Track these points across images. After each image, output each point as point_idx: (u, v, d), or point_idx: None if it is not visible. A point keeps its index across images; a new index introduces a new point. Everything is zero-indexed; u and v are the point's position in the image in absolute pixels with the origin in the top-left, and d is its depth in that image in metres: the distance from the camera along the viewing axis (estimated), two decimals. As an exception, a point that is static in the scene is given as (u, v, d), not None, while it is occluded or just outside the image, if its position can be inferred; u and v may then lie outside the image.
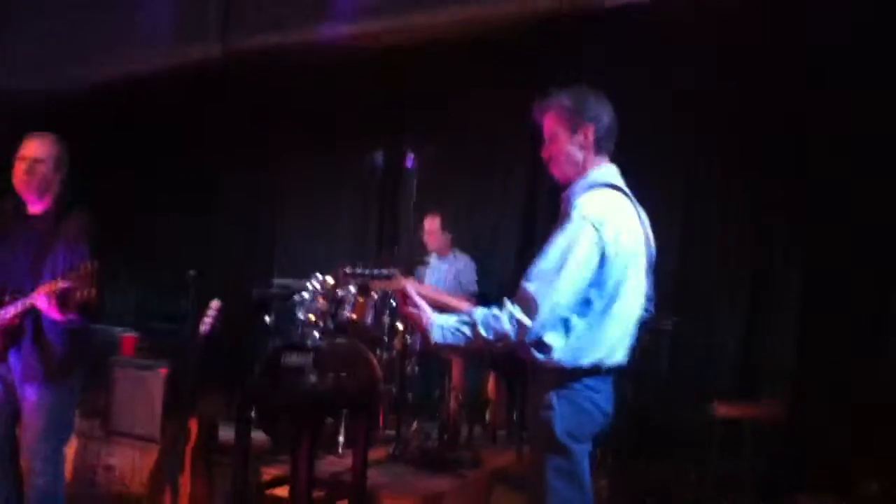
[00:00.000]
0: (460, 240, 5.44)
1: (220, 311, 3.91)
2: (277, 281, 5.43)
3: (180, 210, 6.75)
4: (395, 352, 4.65)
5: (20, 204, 3.21)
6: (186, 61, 6.90)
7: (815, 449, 4.00)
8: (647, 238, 2.43)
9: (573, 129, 2.37)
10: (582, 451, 2.30)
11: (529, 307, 2.20)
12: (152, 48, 6.98)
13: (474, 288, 5.27)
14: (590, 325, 2.28)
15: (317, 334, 4.60)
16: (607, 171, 2.40)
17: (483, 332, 2.20)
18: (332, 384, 4.12)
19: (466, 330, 2.23)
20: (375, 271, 2.29)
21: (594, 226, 2.24)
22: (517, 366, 2.35)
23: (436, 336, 2.25)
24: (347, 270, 2.25)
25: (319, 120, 6.33)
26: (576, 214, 2.27)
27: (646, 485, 4.11)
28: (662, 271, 4.52)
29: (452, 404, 4.59)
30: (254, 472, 3.95)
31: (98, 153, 6.39)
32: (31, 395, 3.14)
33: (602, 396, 2.33)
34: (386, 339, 4.68)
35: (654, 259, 2.47)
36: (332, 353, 4.51)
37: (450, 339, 2.24)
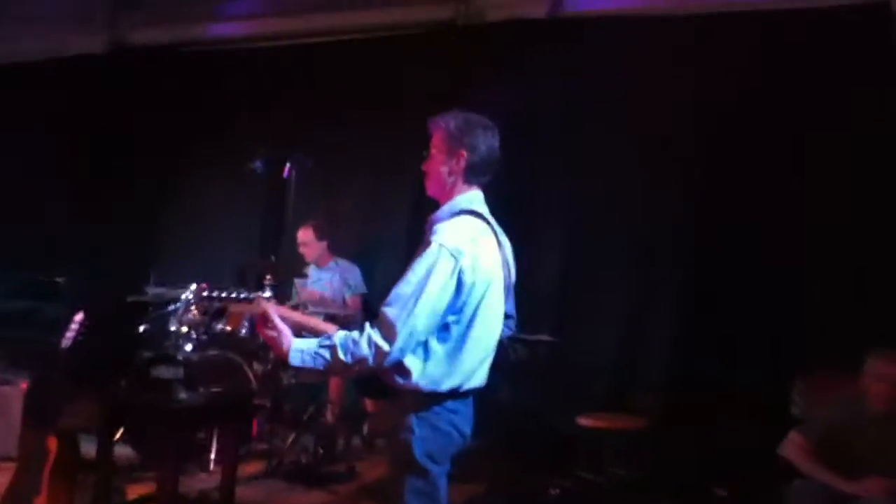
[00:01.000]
0: (345, 246, 5.41)
1: (82, 324, 3.75)
2: (151, 289, 5.23)
3: (53, 209, 6.45)
4: (270, 364, 4.58)
5: None
6: (69, 50, 6.67)
7: (671, 457, 4.22)
8: (505, 263, 2.50)
9: (449, 153, 2.43)
10: (440, 472, 2.35)
11: (388, 331, 2.23)
12: (35, 33, 6.70)
13: (363, 289, 5.24)
14: (448, 349, 2.33)
15: (189, 346, 4.47)
16: (472, 196, 2.46)
17: (342, 356, 2.21)
18: (204, 397, 4.03)
19: (326, 353, 2.23)
20: (234, 294, 2.25)
21: (452, 254, 2.29)
22: (381, 386, 2.36)
23: (294, 360, 2.25)
24: (205, 294, 2.21)
25: (208, 119, 6.20)
26: (435, 243, 2.31)
27: (518, 491, 4.23)
28: (541, 289, 4.73)
29: (329, 418, 4.57)
30: (119, 490, 3.82)
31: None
32: None
33: (461, 418, 2.39)
34: (262, 350, 4.60)
35: (512, 282, 2.54)
36: (205, 365, 4.41)
37: (309, 363, 2.24)
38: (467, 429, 2.42)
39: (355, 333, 2.23)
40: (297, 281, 5.24)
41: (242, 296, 2.25)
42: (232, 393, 4.43)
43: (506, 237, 2.53)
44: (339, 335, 2.24)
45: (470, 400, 2.44)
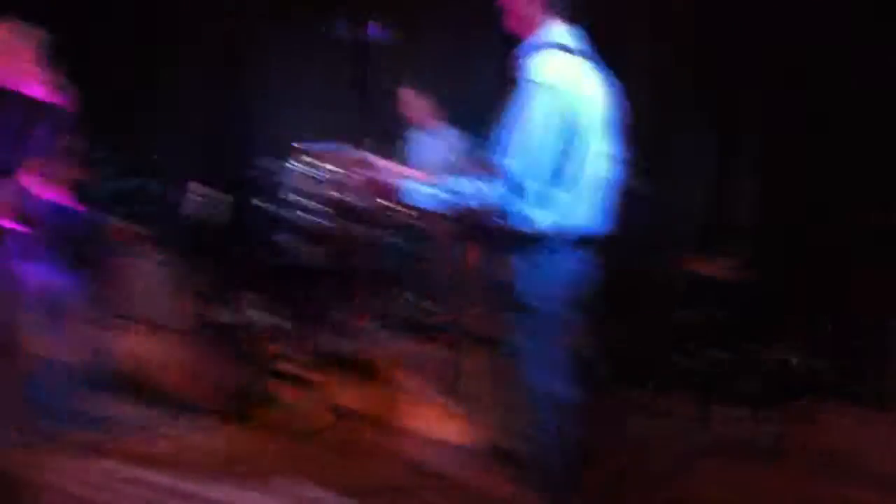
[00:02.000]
0: (443, 109, 5.33)
1: (202, 193, 3.95)
2: (259, 160, 5.43)
3: (154, 92, 6.65)
4: (382, 225, 4.72)
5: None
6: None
7: (769, 301, 4.26)
8: (608, 100, 2.43)
9: None
10: (551, 311, 2.40)
11: (502, 178, 2.25)
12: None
13: (470, 149, 5.12)
14: (558, 190, 2.32)
15: (304, 213, 4.68)
16: (558, 32, 2.36)
17: (456, 198, 2.24)
18: (324, 259, 4.23)
19: (442, 193, 2.25)
20: (327, 146, 2.31)
21: (547, 90, 2.22)
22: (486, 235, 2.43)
23: (409, 198, 2.27)
24: (297, 146, 2.28)
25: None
26: (527, 80, 2.25)
27: (614, 336, 4.37)
28: (633, 135, 4.66)
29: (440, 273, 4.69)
30: (259, 351, 4.16)
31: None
32: (27, 275, 3.31)
33: (569, 259, 2.41)
34: (373, 214, 4.74)
35: (619, 121, 2.48)
36: (320, 229, 4.65)
37: (426, 202, 2.26)
38: (582, 271, 2.46)
39: (476, 181, 2.25)
40: (402, 145, 5.26)
41: (333, 147, 2.32)
42: (347, 255, 4.69)
43: (604, 73, 2.43)
44: (460, 180, 2.26)
45: (584, 243, 2.46)
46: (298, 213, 4.70)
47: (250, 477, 3.27)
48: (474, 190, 2.30)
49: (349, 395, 3.84)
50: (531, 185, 2.29)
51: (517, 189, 2.28)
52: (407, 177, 2.43)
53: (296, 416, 3.59)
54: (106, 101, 6.49)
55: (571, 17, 2.41)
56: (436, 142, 5.16)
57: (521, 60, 2.34)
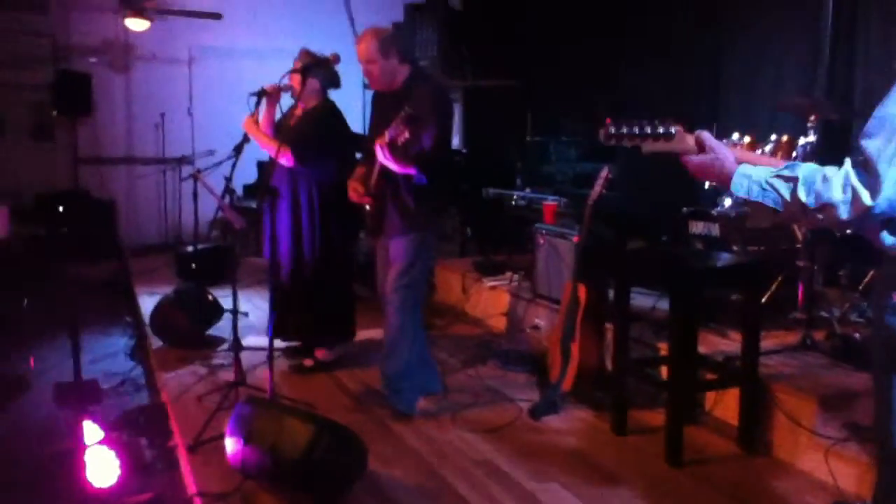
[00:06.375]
0: None
1: (607, 178, 3.76)
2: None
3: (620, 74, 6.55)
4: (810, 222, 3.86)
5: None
6: None
7: None
8: None
9: None
10: None
11: (871, 174, 1.59)
12: None
13: None
14: None
15: (728, 202, 4.10)
16: None
17: (801, 195, 1.66)
18: (739, 256, 3.68)
19: (782, 187, 1.70)
20: (649, 129, 1.85)
21: None
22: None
23: (737, 188, 1.77)
24: (612, 130, 1.87)
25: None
26: None
27: None
28: None
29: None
30: (650, 345, 3.82)
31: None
32: (391, 251, 3.59)
33: None
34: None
35: None
36: (741, 222, 4.00)
37: (756, 195, 1.74)
38: None
39: (832, 169, 1.65)
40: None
41: (659, 130, 1.85)
42: (772, 252, 3.96)
43: None
44: (807, 167, 1.69)
45: None
46: (727, 200, 4.13)
47: (589, 478, 3.02)
48: (820, 183, 1.62)
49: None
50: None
51: (887, 189, 1.56)
52: (749, 162, 1.85)
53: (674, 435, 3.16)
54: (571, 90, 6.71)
55: None
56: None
57: None
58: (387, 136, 3.29)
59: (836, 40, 4.74)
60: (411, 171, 3.41)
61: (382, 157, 3.35)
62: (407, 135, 3.24)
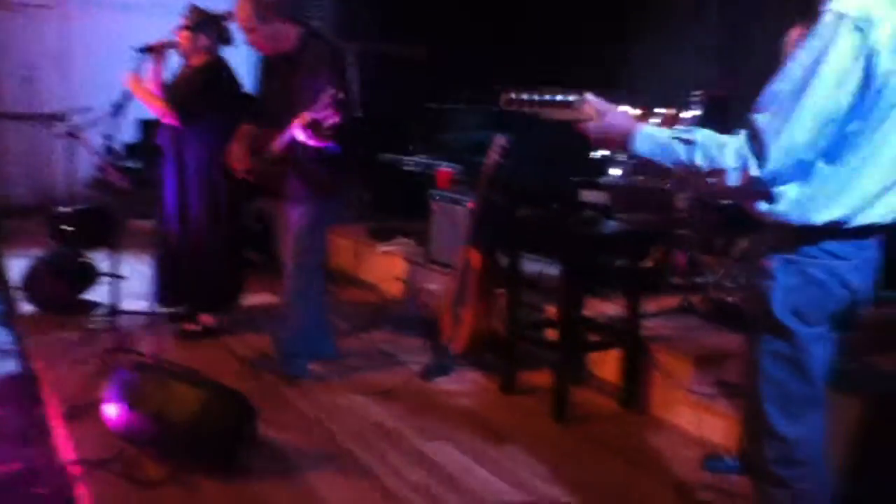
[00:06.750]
0: None
1: (504, 147, 3.80)
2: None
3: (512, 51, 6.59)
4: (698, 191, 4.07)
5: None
6: None
7: None
8: None
9: None
10: (811, 336, 1.77)
11: (758, 146, 1.67)
12: None
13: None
14: (840, 168, 1.69)
15: (618, 171, 4.26)
16: None
17: (697, 158, 1.71)
18: (624, 224, 3.82)
19: (680, 149, 1.74)
20: (549, 97, 1.88)
21: (857, 27, 1.60)
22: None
23: (640, 145, 1.79)
24: (513, 96, 1.89)
25: None
26: (830, 13, 1.63)
27: None
28: None
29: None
30: (539, 308, 3.93)
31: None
32: (291, 216, 3.49)
33: (847, 265, 1.74)
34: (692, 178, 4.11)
35: None
36: (629, 191, 4.17)
37: (657, 154, 1.77)
38: (858, 280, 1.76)
39: (727, 137, 1.71)
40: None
41: (557, 98, 1.88)
42: (656, 221, 4.14)
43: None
44: (705, 132, 1.74)
45: (868, 242, 1.76)
46: (617, 169, 4.28)
47: (478, 436, 3.10)
48: (715, 149, 1.69)
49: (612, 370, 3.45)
50: (792, 156, 1.66)
51: (772, 161, 1.65)
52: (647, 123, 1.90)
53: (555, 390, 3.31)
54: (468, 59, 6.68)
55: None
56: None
57: None
58: (308, 117, 3.15)
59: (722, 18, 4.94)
60: (328, 144, 3.32)
61: (302, 135, 3.21)
62: (337, 119, 3.12)
